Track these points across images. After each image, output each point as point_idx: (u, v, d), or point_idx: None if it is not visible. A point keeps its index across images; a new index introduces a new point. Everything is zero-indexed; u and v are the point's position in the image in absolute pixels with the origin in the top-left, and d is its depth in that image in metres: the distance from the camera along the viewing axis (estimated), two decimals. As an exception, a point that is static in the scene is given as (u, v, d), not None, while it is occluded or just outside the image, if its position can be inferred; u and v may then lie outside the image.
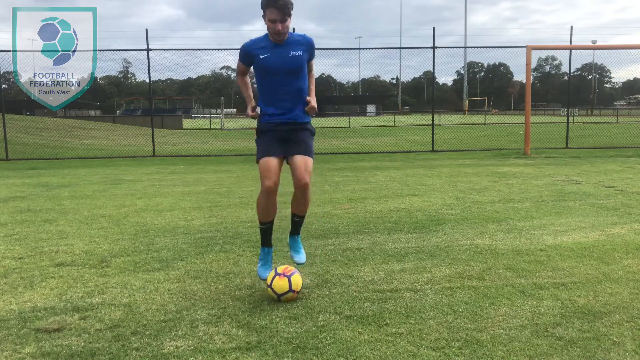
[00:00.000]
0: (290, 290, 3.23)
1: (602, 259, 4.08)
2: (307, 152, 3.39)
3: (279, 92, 3.36)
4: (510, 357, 2.53)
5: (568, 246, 4.45)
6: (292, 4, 3.22)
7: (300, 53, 3.32)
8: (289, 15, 3.22)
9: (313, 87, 3.53)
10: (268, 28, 3.26)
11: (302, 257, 3.62)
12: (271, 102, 3.40)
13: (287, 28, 3.26)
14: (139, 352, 2.63)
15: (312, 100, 3.43)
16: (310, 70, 3.53)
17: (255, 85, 3.59)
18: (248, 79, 3.66)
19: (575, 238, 4.73)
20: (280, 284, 3.23)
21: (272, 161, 3.29)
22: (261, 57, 3.32)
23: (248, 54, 3.39)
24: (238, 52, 3.46)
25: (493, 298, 3.29)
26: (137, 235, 5.07)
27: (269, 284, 3.27)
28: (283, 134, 3.39)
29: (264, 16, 3.24)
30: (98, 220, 5.76)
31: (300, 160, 3.34)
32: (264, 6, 3.20)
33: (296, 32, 3.38)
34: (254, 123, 3.65)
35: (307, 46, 3.38)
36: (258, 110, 3.50)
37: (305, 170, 3.33)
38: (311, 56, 3.45)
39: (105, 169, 11.22)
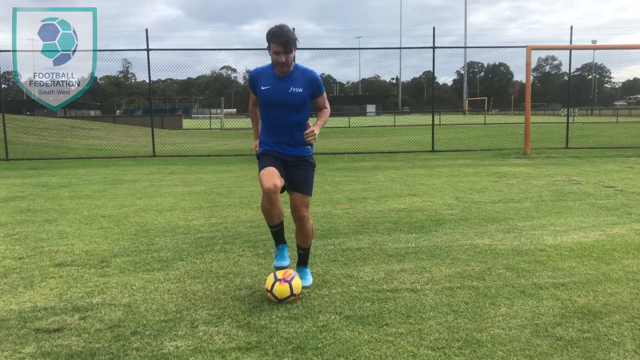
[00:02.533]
0: (292, 294, 3.24)
1: (602, 259, 4.08)
2: (306, 189, 3.44)
3: (276, 124, 3.38)
4: (510, 357, 2.53)
5: (568, 246, 4.46)
6: (295, 40, 3.24)
7: (300, 90, 3.32)
8: (293, 49, 3.24)
9: (321, 121, 3.48)
10: (272, 59, 3.28)
11: (307, 282, 3.58)
12: (270, 133, 3.43)
13: (290, 60, 3.27)
14: (139, 352, 2.63)
15: (315, 128, 3.33)
16: (321, 106, 3.50)
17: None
18: (258, 111, 3.61)
19: (575, 238, 4.73)
20: (282, 289, 3.22)
21: (270, 169, 3.29)
22: (262, 88, 3.34)
23: (252, 82, 3.43)
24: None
25: (493, 298, 3.29)
26: (137, 235, 5.07)
27: (269, 289, 3.25)
28: (283, 157, 3.40)
29: (268, 48, 3.25)
30: (98, 220, 5.76)
31: (298, 196, 3.43)
32: (269, 40, 3.22)
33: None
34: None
35: (310, 82, 3.34)
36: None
37: (302, 204, 3.42)
38: (316, 92, 3.39)
39: (105, 169, 11.22)
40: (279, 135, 3.39)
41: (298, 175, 3.42)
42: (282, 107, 3.32)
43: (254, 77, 3.41)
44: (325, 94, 3.48)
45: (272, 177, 3.22)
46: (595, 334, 2.76)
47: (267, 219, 3.39)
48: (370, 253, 4.33)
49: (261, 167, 3.35)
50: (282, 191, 3.34)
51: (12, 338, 2.81)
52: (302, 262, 3.66)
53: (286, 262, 3.47)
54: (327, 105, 3.53)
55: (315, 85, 3.36)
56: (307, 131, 3.29)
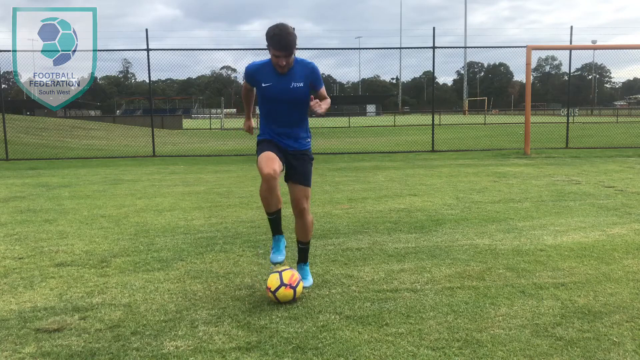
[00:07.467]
0: (294, 299, 3.23)
1: (602, 259, 4.08)
2: (306, 181, 3.44)
3: (278, 120, 3.38)
4: (510, 357, 2.53)
5: (568, 246, 4.45)
6: (295, 40, 3.16)
7: (301, 84, 3.30)
8: (293, 51, 3.18)
9: (325, 103, 3.38)
10: (272, 60, 3.23)
11: (308, 282, 3.55)
12: (270, 127, 3.42)
13: (291, 61, 3.23)
14: (139, 352, 2.63)
15: (320, 102, 3.30)
16: (322, 98, 3.42)
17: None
18: (253, 94, 3.60)
19: (575, 238, 4.73)
20: (286, 295, 3.20)
21: (270, 153, 3.28)
22: (263, 85, 3.30)
23: (251, 77, 3.39)
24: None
25: (493, 298, 3.29)
26: (137, 235, 5.07)
27: (272, 290, 3.22)
28: (282, 144, 3.40)
29: (268, 47, 3.19)
30: (98, 220, 5.76)
31: (298, 188, 3.43)
32: (269, 43, 3.16)
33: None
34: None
35: (309, 74, 3.32)
36: (253, 123, 3.59)
37: (302, 196, 3.42)
38: (315, 83, 3.35)
39: (105, 169, 11.22)
40: (279, 130, 3.40)
41: (297, 167, 3.42)
42: (284, 103, 3.32)
43: (252, 73, 3.36)
44: (324, 86, 3.44)
45: (272, 162, 3.21)
46: (595, 334, 2.76)
47: (265, 206, 3.37)
48: (370, 253, 4.33)
49: (260, 151, 3.34)
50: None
51: (12, 338, 2.81)
52: (302, 258, 3.65)
53: (282, 257, 3.47)
54: (327, 97, 3.51)
55: (314, 75, 3.33)
56: (312, 102, 3.22)
